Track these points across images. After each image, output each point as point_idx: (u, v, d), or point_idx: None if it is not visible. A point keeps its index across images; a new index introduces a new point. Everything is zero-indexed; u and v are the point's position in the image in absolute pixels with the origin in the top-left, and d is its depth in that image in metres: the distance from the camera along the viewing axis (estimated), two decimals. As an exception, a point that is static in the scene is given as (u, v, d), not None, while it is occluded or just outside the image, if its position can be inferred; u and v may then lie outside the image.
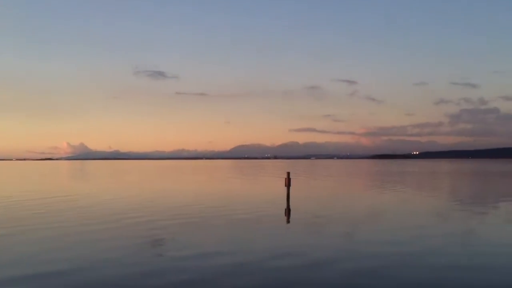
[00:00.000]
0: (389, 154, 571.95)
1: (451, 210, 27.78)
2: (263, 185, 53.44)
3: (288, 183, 32.76)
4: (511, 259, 14.60)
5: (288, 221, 23.43)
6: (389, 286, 11.59)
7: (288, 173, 33.67)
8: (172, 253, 15.41)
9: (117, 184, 58.67)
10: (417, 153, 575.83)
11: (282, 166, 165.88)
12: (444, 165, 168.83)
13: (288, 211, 26.78)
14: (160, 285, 11.62)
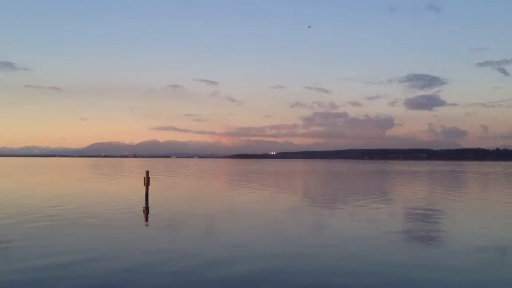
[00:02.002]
0: (248, 154, 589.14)
1: (305, 206, 29.37)
2: (121, 185, 51.71)
3: (147, 182, 32.07)
4: (355, 248, 15.71)
5: (146, 221, 22.95)
6: (250, 278, 11.79)
7: (147, 172, 32.99)
8: (16, 263, 14.08)
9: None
10: (275, 153, 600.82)
11: (141, 165, 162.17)
12: (299, 165, 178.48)
13: (146, 211, 26.18)
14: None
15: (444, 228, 21.08)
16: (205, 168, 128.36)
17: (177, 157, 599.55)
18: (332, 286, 11.59)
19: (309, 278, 12.22)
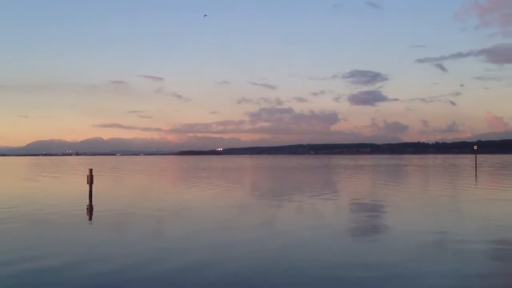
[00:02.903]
0: (195, 151, 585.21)
1: (253, 202, 29.52)
2: (63, 183, 50.21)
3: (90, 181, 31.29)
4: (299, 241, 15.91)
5: (90, 219, 22.39)
6: (190, 272, 11.70)
7: (91, 170, 32.19)
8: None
9: None
10: (221, 149, 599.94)
11: (85, 162, 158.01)
12: (246, 161, 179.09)
13: (90, 209, 25.51)
14: None
15: (386, 220, 21.67)
16: (152, 165, 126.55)
17: (122, 155, 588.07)
18: (271, 277, 11.66)
19: (249, 270, 12.32)
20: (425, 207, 26.29)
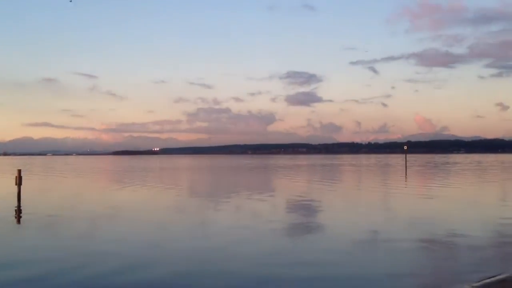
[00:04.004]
0: (130, 151, 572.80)
1: (190, 202, 29.34)
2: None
3: (19, 182, 29.94)
4: (234, 241, 15.96)
5: (18, 222, 21.46)
6: (120, 275, 11.46)
7: (19, 171, 30.79)
8: None
9: None
10: (158, 149, 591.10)
11: (13, 163, 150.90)
12: (183, 161, 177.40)
13: (18, 212, 24.39)
14: None
15: (322, 219, 22.18)
16: (85, 165, 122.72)
17: (54, 155, 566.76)
18: (206, 278, 11.63)
19: (184, 271, 12.24)
20: (359, 205, 27.08)
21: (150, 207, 26.98)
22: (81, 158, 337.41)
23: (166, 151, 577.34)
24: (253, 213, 23.78)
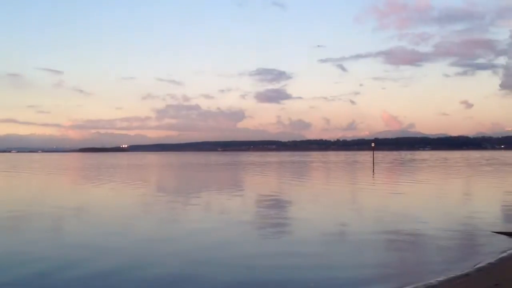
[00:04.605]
0: (98, 148, 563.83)
1: (159, 200, 29.06)
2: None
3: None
4: (204, 239, 15.92)
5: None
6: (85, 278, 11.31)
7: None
8: None
9: None
10: (126, 146, 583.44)
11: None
12: (152, 158, 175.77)
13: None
14: None
15: (292, 215, 22.29)
16: (51, 163, 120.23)
17: (18, 152, 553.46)
18: (176, 278, 11.59)
19: (152, 272, 12.17)
20: (327, 201, 27.37)
21: (117, 205, 26.65)
22: (47, 155, 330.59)
23: (135, 148, 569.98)
24: (223, 210, 23.75)
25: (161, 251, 14.25)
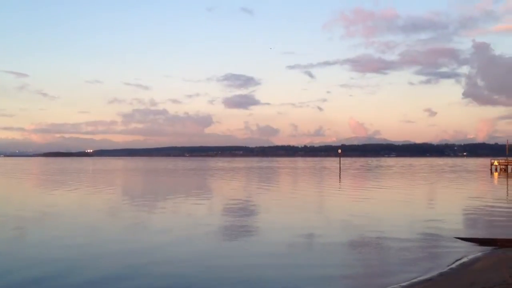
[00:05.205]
0: (62, 152, 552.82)
1: (125, 206, 28.63)
2: None
3: None
4: (169, 245, 15.77)
5: None
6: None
7: None
8: None
9: None
10: (92, 151, 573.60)
11: None
12: (118, 163, 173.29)
13: None
14: None
15: (259, 220, 22.32)
16: (14, 167, 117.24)
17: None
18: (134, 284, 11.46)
19: (114, 275, 12.00)
20: (295, 207, 27.46)
21: (82, 210, 26.12)
22: (9, 159, 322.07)
23: (100, 152, 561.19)
24: (188, 216, 23.58)
25: (125, 256, 14.02)
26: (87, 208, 27.33)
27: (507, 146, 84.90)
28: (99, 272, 12.34)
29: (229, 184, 50.66)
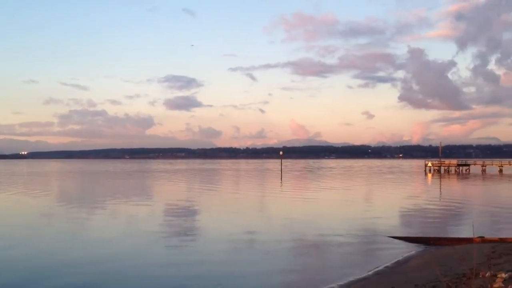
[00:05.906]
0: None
1: (61, 209, 27.70)
2: None
3: None
4: (107, 249, 15.38)
5: None
6: None
7: None
8: None
9: None
10: (26, 153, 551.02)
11: None
12: (55, 165, 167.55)
13: None
14: None
15: (201, 222, 22.25)
16: None
17: None
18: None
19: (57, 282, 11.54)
20: (237, 209, 27.52)
21: (16, 216, 25.04)
22: None
23: (36, 155, 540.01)
24: (130, 220, 23.13)
25: (62, 263, 13.55)
26: (22, 214, 26.19)
27: (440, 148, 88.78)
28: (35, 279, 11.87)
29: (172, 186, 50.06)
